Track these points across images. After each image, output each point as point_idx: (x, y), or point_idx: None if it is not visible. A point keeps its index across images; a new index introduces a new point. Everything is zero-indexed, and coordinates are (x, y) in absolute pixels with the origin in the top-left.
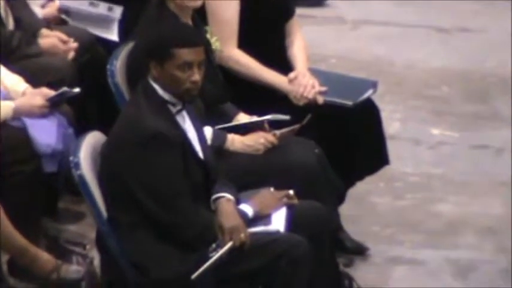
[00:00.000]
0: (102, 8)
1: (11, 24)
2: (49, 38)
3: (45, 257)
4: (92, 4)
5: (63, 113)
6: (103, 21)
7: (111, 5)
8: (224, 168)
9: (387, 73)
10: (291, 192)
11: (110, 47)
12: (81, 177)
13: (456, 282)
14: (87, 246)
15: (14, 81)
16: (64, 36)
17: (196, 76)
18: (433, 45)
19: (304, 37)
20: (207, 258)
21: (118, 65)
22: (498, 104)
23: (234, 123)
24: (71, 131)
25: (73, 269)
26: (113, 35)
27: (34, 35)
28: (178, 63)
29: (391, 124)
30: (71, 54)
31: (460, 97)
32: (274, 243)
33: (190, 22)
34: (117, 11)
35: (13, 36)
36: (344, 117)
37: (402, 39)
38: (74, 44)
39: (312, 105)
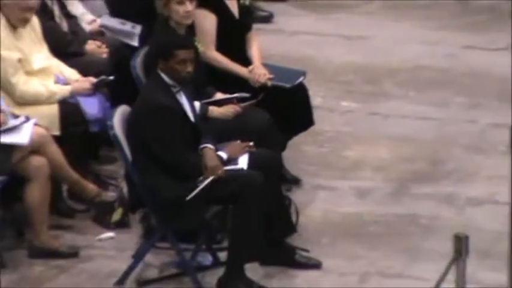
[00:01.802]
0: (128, 26)
1: (65, 27)
2: (91, 45)
3: (91, 186)
4: (121, 23)
5: (103, 93)
6: (128, 34)
7: (134, 24)
8: (207, 128)
9: (313, 66)
10: (251, 143)
11: (133, 50)
12: (115, 135)
13: (358, 201)
14: (119, 180)
15: (70, 73)
16: (99, 43)
17: (189, 68)
18: (342, 48)
19: (258, 42)
20: (197, 187)
21: (138, 62)
22: (386, 85)
23: (213, 99)
24: (108, 104)
25: (110, 195)
26: (135, 42)
27: (83, 41)
28: (178, 60)
29: (315, 99)
30: (104, 55)
31: (359, 81)
32: (240, 176)
33: (184, 33)
34: (138, 28)
35: (66, 36)
36: (284, 95)
37: (322, 44)
38: (105, 49)
39: (264, 87)
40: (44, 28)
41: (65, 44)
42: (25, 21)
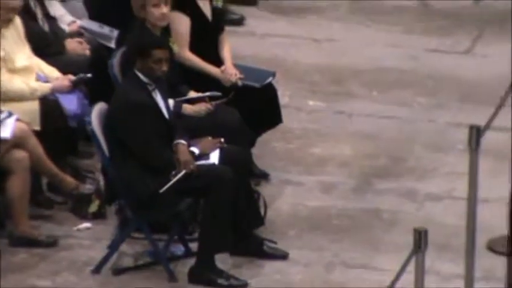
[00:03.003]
0: (106, 30)
1: (46, 28)
2: (72, 43)
3: (69, 179)
4: (100, 26)
5: (81, 90)
6: (106, 36)
7: (111, 28)
8: (181, 125)
9: (282, 67)
10: (222, 139)
11: (110, 50)
12: (92, 130)
13: (323, 195)
14: (96, 173)
15: (50, 70)
16: (81, 40)
17: (164, 67)
18: (311, 50)
19: (230, 44)
20: (170, 180)
21: (115, 61)
22: (350, 85)
23: (186, 97)
24: (86, 101)
25: (87, 187)
26: (112, 45)
27: (62, 41)
28: (154, 59)
29: (283, 98)
30: (87, 52)
31: (326, 81)
32: (211, 171)
33: (159, 34)
34: (115, 32)
35: (47, 35)
36: (254, 94)
37: (291, 46)
38: (86, 46)
39: (235, 87)
40: (27, 29)
41: (46, 44)
42: (8, 22)
